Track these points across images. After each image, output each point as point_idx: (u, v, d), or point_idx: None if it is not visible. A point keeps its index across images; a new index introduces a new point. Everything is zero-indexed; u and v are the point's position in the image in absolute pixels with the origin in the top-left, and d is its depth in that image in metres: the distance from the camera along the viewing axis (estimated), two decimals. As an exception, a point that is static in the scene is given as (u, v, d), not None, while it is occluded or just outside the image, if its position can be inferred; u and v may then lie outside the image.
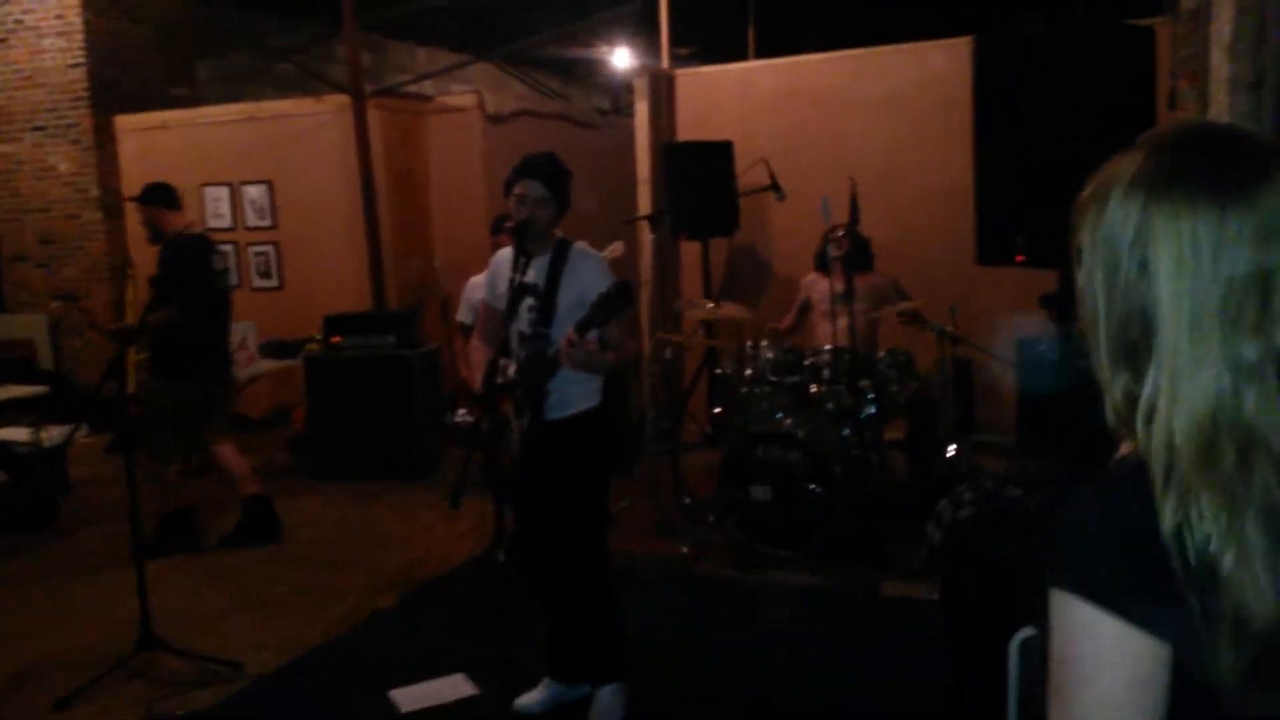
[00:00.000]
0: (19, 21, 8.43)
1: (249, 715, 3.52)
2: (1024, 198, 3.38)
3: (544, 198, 3.16)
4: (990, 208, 3.56)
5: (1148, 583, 0.86)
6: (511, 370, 3.17)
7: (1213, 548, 0.84)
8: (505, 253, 3.32)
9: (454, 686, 3.62)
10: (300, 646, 4.04)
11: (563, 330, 3.04)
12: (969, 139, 3.82)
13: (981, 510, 3.07)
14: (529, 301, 3.15)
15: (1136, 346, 0.92)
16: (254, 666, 3.83)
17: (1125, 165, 0.95)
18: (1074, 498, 0.94)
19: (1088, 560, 0.89)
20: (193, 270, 5.08)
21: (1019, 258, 3.34)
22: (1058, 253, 3.27)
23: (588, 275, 3.16)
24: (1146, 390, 0.90)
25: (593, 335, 2.99)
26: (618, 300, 2.90)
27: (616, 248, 4.04)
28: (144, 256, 5.60)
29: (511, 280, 3.07)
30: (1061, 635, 0.90)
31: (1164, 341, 0.89)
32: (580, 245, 3.28)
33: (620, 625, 3.39)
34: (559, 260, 3.20)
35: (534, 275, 3.16)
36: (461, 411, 7.07)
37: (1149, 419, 0.89)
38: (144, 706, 3.55)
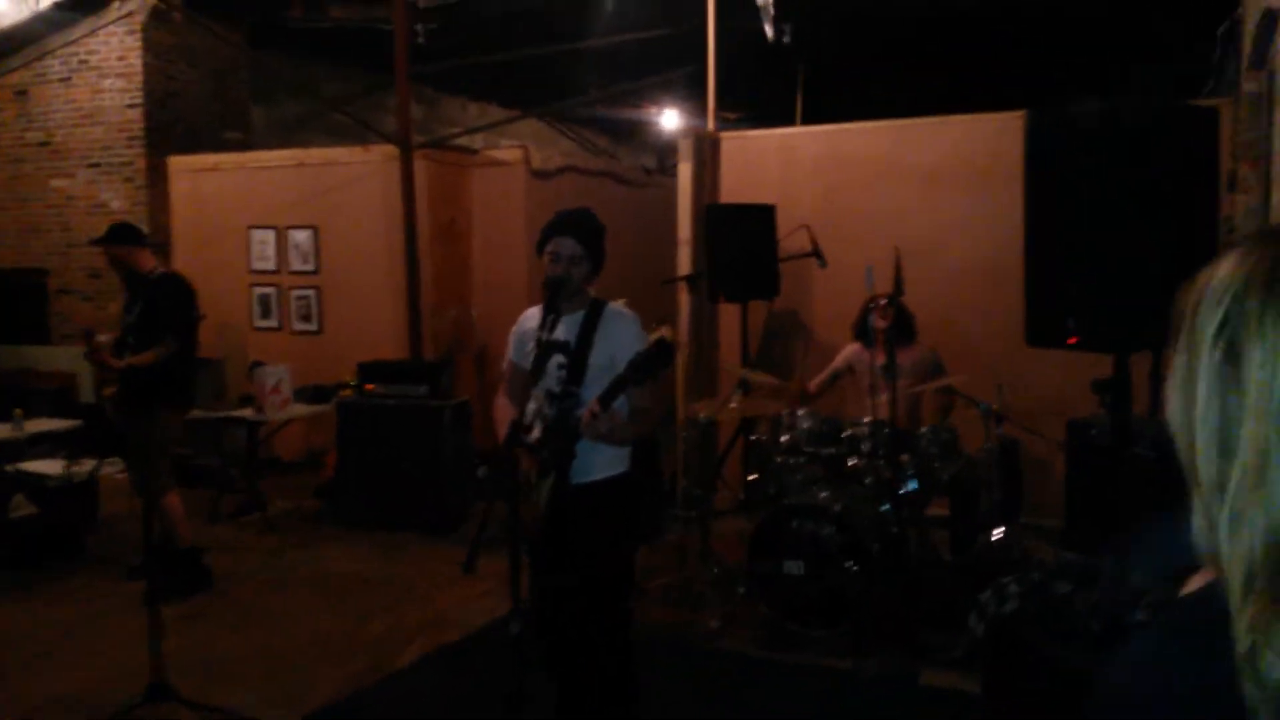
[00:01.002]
0: (83, 61, 8.66)
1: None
2: (1077, 278, 3.27)
3: (578, 255, 3.11)
4: (1041, 287, 3.45)
5: None
6: (537, 430, 3.10)
7: None
8: (532, 312, 3.28)
9: (466, 757, 3.49)
10: (311, 704, 3.93)
11: (593, 390, 2.96)
12: (1015, 214, 3.72)
13: (1027, 604, 2.92)
14: (558, 359, 3.07)
15: (1226, 458, 0.86)
16: (263, 723, 3.73)
17: (1225, 264, 0.91)
18: (1132, 650, 0.88)
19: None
20: (190, 308, 5.31)
21: (1071, 340, 3.21)
22: (1111, 336, 3.16)
23: (621, 336, 3.08)
24: (1230, 499, 0.84)
25: (618, 406, 2.91)
26: (655, 362, 2.82)
27: (665, 331, 3.95)
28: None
29: (539, 338, 3.00)
30: None
31: (1252, 444, 0.84)
32: (615, 305, 3.21)
33: (635, 708, 3.24)
34: (592, 319, 3.13)
35: (565, 333, 3.09)
36: (483, 468, 7.00)
37: (1230, 530, 0.83)
38: (148, 759, 3.46)
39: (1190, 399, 0.89)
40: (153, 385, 5.13)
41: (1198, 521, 0.88)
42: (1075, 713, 2.44)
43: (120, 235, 5.31)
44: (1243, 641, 0.79)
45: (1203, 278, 0.92)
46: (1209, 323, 0.89)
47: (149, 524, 4.81)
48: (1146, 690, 0.84)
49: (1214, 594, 0.83)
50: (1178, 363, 0.92)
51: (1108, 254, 3.10)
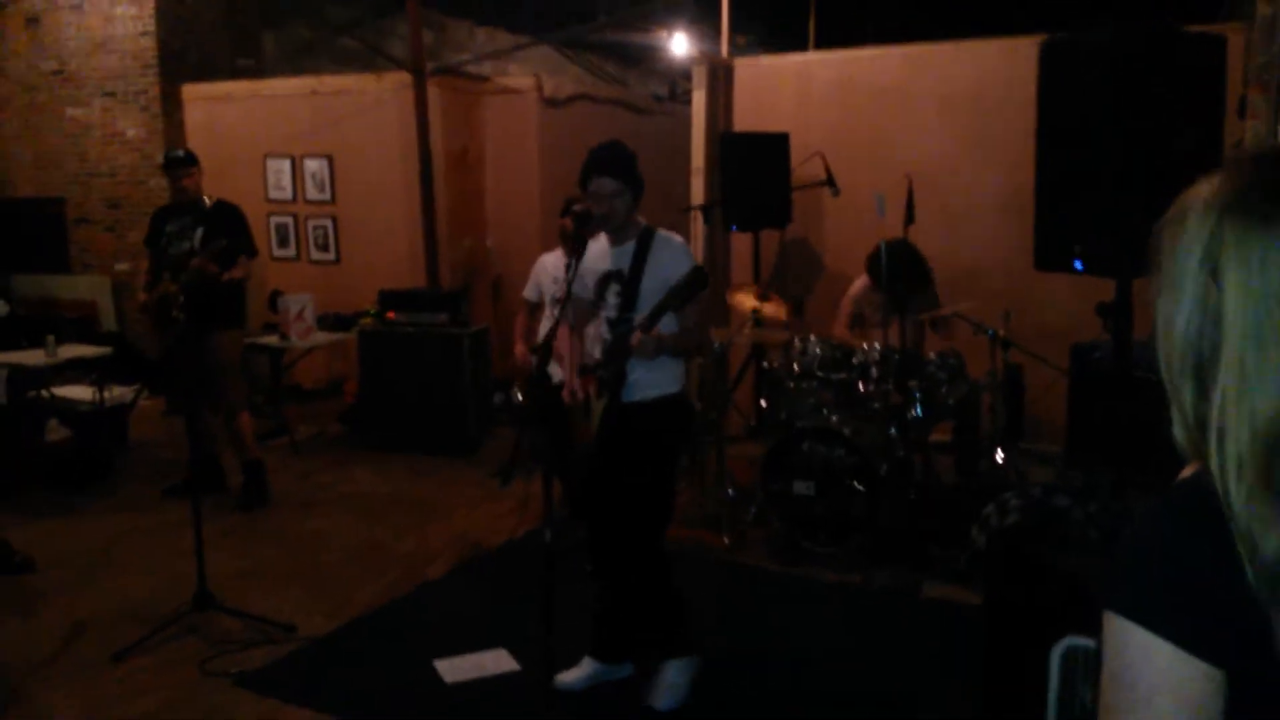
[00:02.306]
0: (94, -12, 8.62)
1: (300, 676, 3.64)
2: (1085, 205, 3.36)
3: (617, 190, 3.25)
4: (1049, 213, 3.54)
5: (1204, 608, 0.88)
6: (598, 353, 3.30)
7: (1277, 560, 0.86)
8: (549, 257, 3.42)
9: (496, 660, 3.72)
10: (349, 612, 4.16)
11: (641, 308, 3.16)
12: (1027, 141, 3.79)
13: (1028, 517, 3.08)
14: (615, 287, 3.27)
15: (1204, 364, 0.93)
16: (305, 629, 3.96)
17: (1205, 184, 0.97)
18: (1134, 521, 0.96)
19: (1145, 586, 0.91)
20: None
21: (1077, 265, 3.32)
22: (1116, 261, 3.26)
23: (670, 261, 3.24)
24: (1214, 405, 0.91)
25: (664, 325, 3.08)
26: (692, 288, 3.00)
27: None
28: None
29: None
30: (1117, 657, 0.92)
31: (1229, 357, 0.90)
32: (664, 232, 3.35)
33: (682, 603, 3.46)
34: (643, 247, 3.29)
35: (619, 262, 3.28)
36: (498, 396, 7.17)
37: (1215, 434, 0.91)
38: (199, 663, 3.69)
39: (1170, 316, 0.95)
40: (219, 306, 5.31)
41: (1177, 431, 0.95)
42: (1073, 617, 2.61)
43: (195, 159, 5.50)
44: (1239, 521, 0.86)
45: (1184, 198, 0.97)
46: (1188, 242, 0.94)
47: (196, 442, 5.02)
48: (1153, 547, 0.92)
49: (1201, 480, 0.91)
50: (1160, 281, 0.97)
51: (1113, 179, 3.19)
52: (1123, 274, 3.21)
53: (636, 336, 3.06)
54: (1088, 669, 2.36)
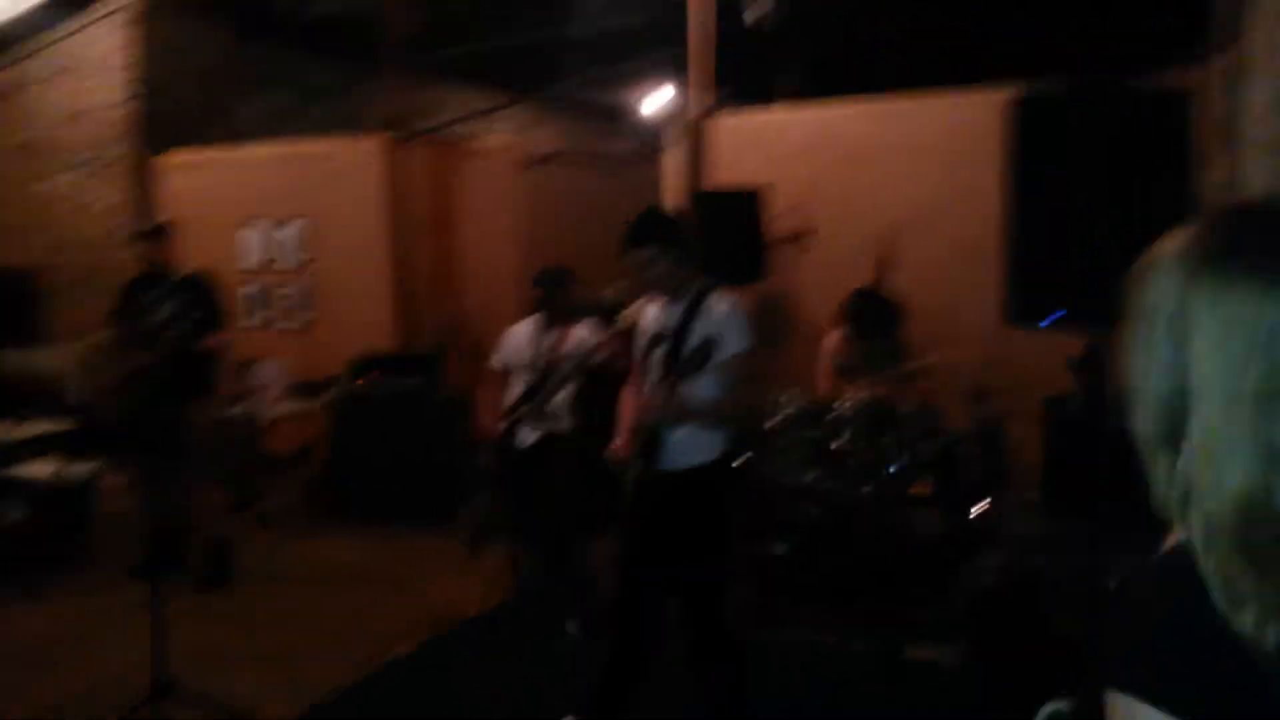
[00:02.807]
0: (69, 60, 8.63)
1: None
2: (1056, 257, 3.32)
3: (652, 256, 3.21)
4: (1020, 266, 3.50)
5: (1200, 677, 0.85)
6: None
7: (1257, 633, 0.83)
8: (522, 326, 3.37)
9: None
10: (315, 694, 4.01)
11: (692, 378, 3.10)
12: (993, 192, 3.77)
13: (1005, 577, 2.99)
14: (660, 350, 3.20)
15: (1177, 427, 0.90)
16: (267, 715, 3.81)
17: (1174, 241, 0.94)
18: (1125, 591, 0.94)
19: (1140, 660, 0.88)
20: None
21: (1050, 318, 3.27)
22: (1088, 315, 3.21)
23: (715, 323, 3.15)
24: (1183, 472, 0.89)
25: (703, 391, 3.05)
26: (699, 358, 2.95)
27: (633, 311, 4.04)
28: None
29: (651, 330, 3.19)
30: None
31: (1199, 423, 0.87)
32: (719, 293, 3.26)
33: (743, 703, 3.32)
34: (693, 307, 3.21)
35: (668, 322, 3.23)
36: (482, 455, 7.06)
37: (1187, 502, 0.88)
38: (154, 755, 3.53)
39: (1143, 378, 0.92)
40: (189, 378, 5.22)
41: (1157, 494, 0.92)
42: (1058, 678, 2.51)
43: (167, 231, 5.46)
44: (1220, 604, 0.83)
45: (1151, 254, 0.95)
46: (1156, 302, 0.91)
47: (157, 518, 4.89)
48: (1148, 620, 0.89)
49: (1188, 545, 0.88)
50: (1131, 336, 0.94)
51: (1081, 233, 3.16)
52: (1094, 326, 3.16)
53: (649, 403, 3.05)
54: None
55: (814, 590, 4.48)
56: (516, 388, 4.61)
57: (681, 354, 3.17)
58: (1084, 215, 3.21)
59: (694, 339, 3.15)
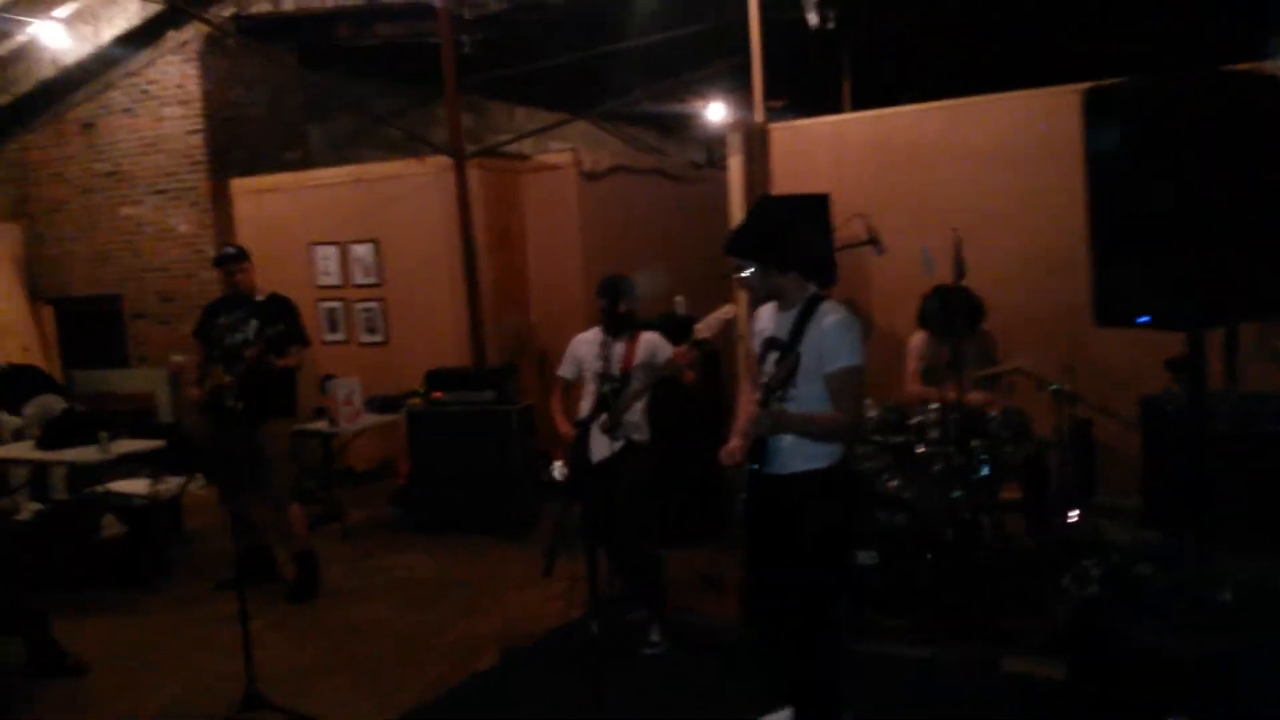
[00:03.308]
0: (144, 91, 8.93)
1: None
2: (1145, 254, 3.22)
3: (753, 269, 3.28)
4: (1107, 266, 3.40)
5: None
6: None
7: None
8: (586, 335, 3.99)
9: (552, 756, 3.56)
10: (398, 707, 4.04)
11: (803, 385, 3.11)
12: (1073, 190, 3.67)
13: (1108, 588, 2.89)
14: (773, 355, 3.23)
15: None
16: (354, 728, 3.85)
17: None
18: None
19: None
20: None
21: (1142, 318, 3.16)
22: (1183, 313, 3.10)
23: (826, 333, 3.17)
24: None
25: (816, 402, 3.09)
26: (782, 373, 2.97)
27: (728, 310, 4.00)
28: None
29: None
30: None
31: None
32: (829, 303, 3.27)
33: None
34: (804, 316, 3.23)
35: (781, 329, 3.26)
36: (557, 464, 7.08)
37: None
38: (248, 766, 3.59)
39: None
40: (272, 395, 5.33)
41: None
42: (1163, 694, 2.42)
43: (245, 254, 5.60)
44: None
45: None
46: None
47: (247, 533, 5.00)
48: None
49: None
50: None
51: (1174, 229, 3.04)
52: (1193, 326, 3.04)
53: (757, 410, 3.08)
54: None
55: (902, 601, 4.38)
56: (587, 398, 4.60)
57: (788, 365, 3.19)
58: (1175, 210, 3.09)
59: (805, 349, 3.18)
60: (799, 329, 3.22)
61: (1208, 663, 2.46)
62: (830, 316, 3.21)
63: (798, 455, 3.21)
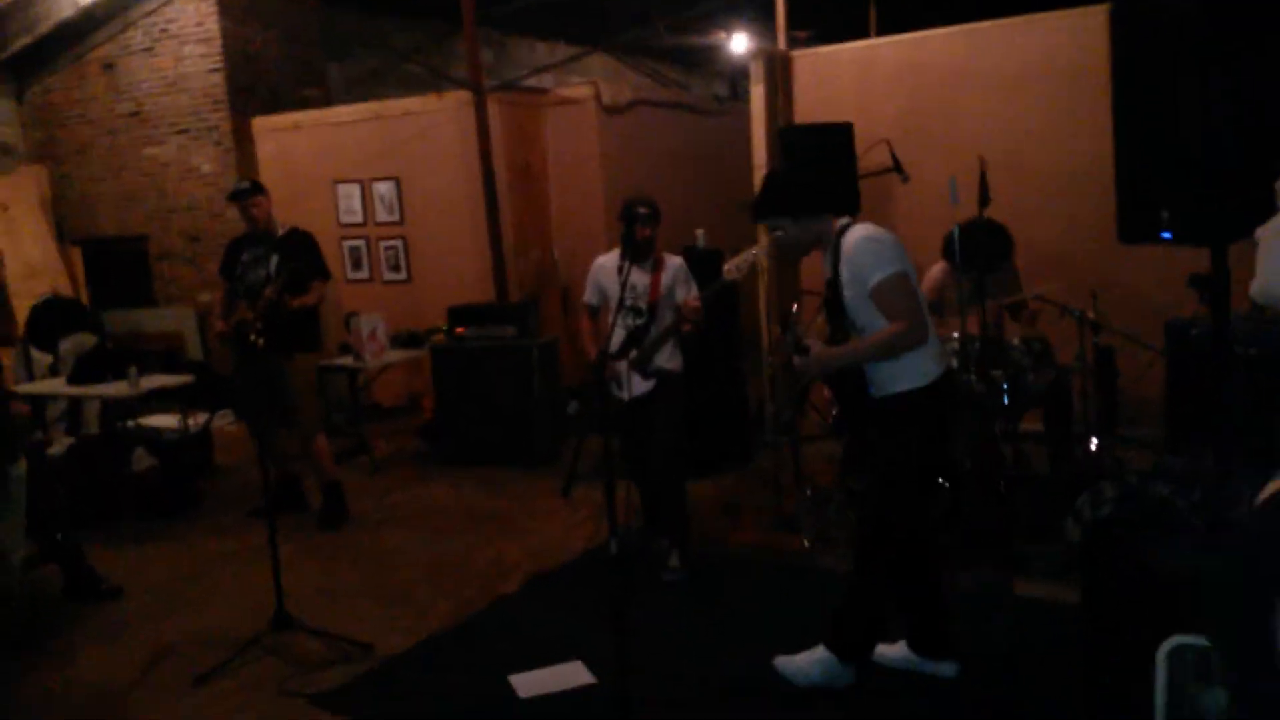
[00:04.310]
0: (164, 30, 8.90)
1: (376, 695, 3.61)
2: (1169, 172, 3.15)
3: (780, 226, 3.34)
4: (1132, 182, 3.33)
5: None
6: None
7: None
8: (607, 258, 4.15)
9: (573, 674, 3.64)
10: (425, 629, 4.13)
11: (858, 315, 3.20)
12: (1101, 113, 3.59)
13: (1125, 508, 2.88)
14: (830, 295, 3.29)
15: None
16: (382, 647, 3.94)
17: None
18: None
19: None
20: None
21: (1165, 234, 3.11)
22: (1209, 228, 3.04)
23: (854, 260, 3.19)
24: None
25: (871, 324, 3.17)
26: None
27: (754, 250, 3.97)
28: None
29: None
30: None
31: None
32: (852, 232, 3.24)
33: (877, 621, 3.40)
34: (836, 255, 3.26)
35: (829, 268, 3.31)
36: (573, 405, 7.16)
37: None
38: (278, 684, 3.70)
39: None
40: (295, 331, 5.38)
41: None
42: (1179, 614, 2.42)
43: (260, 188, 5.61)
44: None
45: None
46: None
47: (275, 464, 5.10)
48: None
49: None
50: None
51: (1200, 143, 2.97)
52: (1217, 241, 2.98)
53: (796, 360, 3.18)
54: (1198, 668, 2.17)
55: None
56: (613, 326, 4.58)
57: (842, 297, 3.23)
58: (1198, 124, 3.02)
59: (847, 286, 3.20)
60: (835, 264, 3.25)
61: (1220, 581, 2.46)
62: (851, 240, 3.21)
63: (887, 379, 3.22)
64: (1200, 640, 2.17)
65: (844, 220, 3.31)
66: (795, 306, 3.44)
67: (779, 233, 3.34)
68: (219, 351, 8.01)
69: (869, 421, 3.33)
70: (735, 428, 6.29)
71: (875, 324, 3.19)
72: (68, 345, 7.88)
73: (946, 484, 4.36)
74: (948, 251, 5.15)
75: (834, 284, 3.27)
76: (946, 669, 3.42)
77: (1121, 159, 3.36)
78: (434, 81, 9.16)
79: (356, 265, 8.57)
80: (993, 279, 4.79)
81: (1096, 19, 4.84)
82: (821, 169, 6.01)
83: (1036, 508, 4.47)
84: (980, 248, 4.58)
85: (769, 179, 3.49)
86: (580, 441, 6.03)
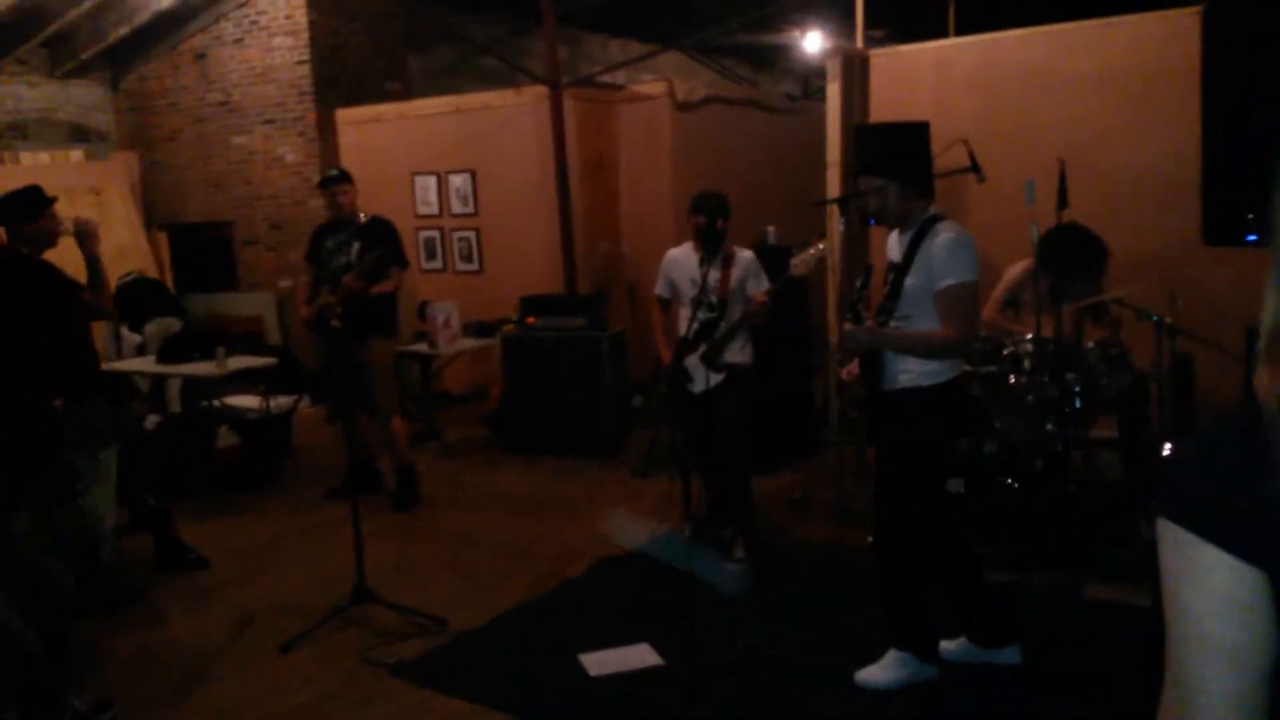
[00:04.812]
0: (254, 22, 9.21)
1: (452, 667, 3.74)
2: (1256, 174, 3.13)
3: (879, 186, 3.28)
4: (1218, 184, 3.31)
5: (1242, 514, 0.87)
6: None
7: None
8: (679, 251, 4.20)
9: (640, 655, 3.72)
10: (497, 607, 4.26)
11: (912, 307, 3.21)
12: (1184, 118, 3.58)
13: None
14: (891, 277, 3.30)
15: None
16: (456, 623, 4.07)
17: None
18: (1189, 436, 0.98)
19: (1188, 490, 0.91)
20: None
21: (1250, 236, 3.08)
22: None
23: (933, 254, 3.18)
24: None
25: (923, 320, 3.19)
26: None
27: (820, 247, 4.01)
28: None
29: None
30: (1167, 563, 0.92)
31: None
32: (944, 223, 3.25)
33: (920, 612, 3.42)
34: (918, 239, 3.25)
35: (899, 252, 3.31)
36: (637, 398, 7.24)
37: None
38: (358, 653, 3.85)
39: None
40: (374, 316, 5.56)
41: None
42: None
43: (348, 177, 5.81)
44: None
45: None
46: None
47: (354, 446, 5.29)
48: (1196, 455, 0.93)
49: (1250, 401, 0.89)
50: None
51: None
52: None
53: (847, 326, 3.20)
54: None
55: (991, 528, 4.39)
56: (684, 321, 4.66)
57: (902, 284, 3.23)
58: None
59: (914, 271, 3.21)
60: (912, 250, 3.23)
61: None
62: (941, 235, 3.19)
63: (905, 371, 3.25)
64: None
65: (935, 210, 3.29)
66: (860, 281, 3.44)
67: (876, 191, 3.27)
68: (301, 336, 8.25)
69: (878, 411, 3.38)
70: (802, 422, 6.33)
71: (921, 318, 3.19)
72: (153, 328, 8.18)
73: (961, 481, 4.37)
74: (1041, 252, 5.12)
75: (900, 268, 3.25)
76: (1009, 655, 3.44)
77: (1208, 160, 3.34)
78: (509, 75, 9.32)
79: (431, 255, 8.76)
80: (1079, 285, 4.75)
81: (1183, 22, 4.77)
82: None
83: (1109, 511, 4.43)
84: (1065, 250, 4.56)
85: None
86: (654, 432, 6.11)
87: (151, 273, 9.38)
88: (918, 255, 3.21)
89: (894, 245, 3.36)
